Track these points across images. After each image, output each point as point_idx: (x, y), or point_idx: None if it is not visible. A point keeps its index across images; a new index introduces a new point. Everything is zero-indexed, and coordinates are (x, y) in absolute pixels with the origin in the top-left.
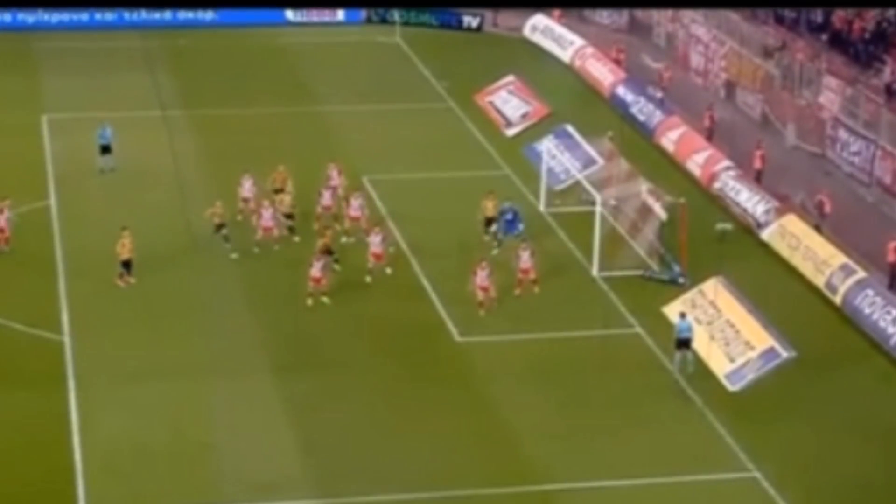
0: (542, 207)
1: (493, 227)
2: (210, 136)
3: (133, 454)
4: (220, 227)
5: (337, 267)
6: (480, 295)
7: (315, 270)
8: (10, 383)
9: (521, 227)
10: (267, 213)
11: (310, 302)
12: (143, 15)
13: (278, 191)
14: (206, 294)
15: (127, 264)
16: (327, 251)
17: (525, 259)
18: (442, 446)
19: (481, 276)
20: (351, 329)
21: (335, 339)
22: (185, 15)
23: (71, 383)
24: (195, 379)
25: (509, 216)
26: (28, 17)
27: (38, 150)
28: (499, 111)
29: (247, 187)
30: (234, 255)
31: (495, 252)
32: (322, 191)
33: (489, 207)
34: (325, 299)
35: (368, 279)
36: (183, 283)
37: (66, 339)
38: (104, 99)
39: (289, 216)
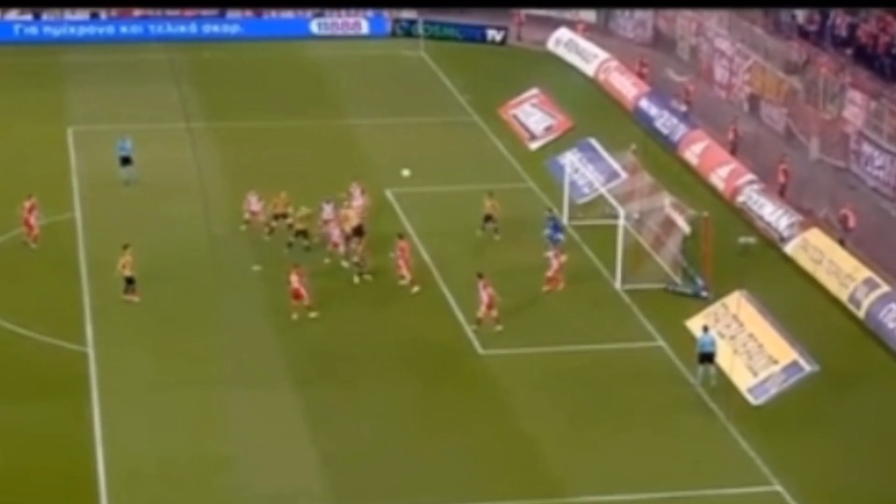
0: (565, 221)
1: (491, 225)
2: (234, 148)
3: (155, 466)
4: (300, 233)
5: (356, 279)
6: (483, 311)
7: (295, 283)
8: (34, 394)
9: (561, 236)
10: (336, 231)
11: (295, 316)
12: (169, 28)
13: (279, 216)
14: (228, 306)
15: (130, 281)
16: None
17: (555, 267)
18: (463, 459)
19: (484, 293)
20: (372, 342)
21: (356, 351)
22: (209, 28)
23: (94, 394)
24: (217, 390)
25: (552, 224)
26: (54, 30)
27: (63, 162)
28: (522, 124)
29: (253, 202)
30: (256, 268)
31: (549, 254)
32: (323, 204)
33: (488, 206)
34: (298, 315)
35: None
36: (205, 294)
37: (90, 351)
38: (129, 111)
39: (302, 233)
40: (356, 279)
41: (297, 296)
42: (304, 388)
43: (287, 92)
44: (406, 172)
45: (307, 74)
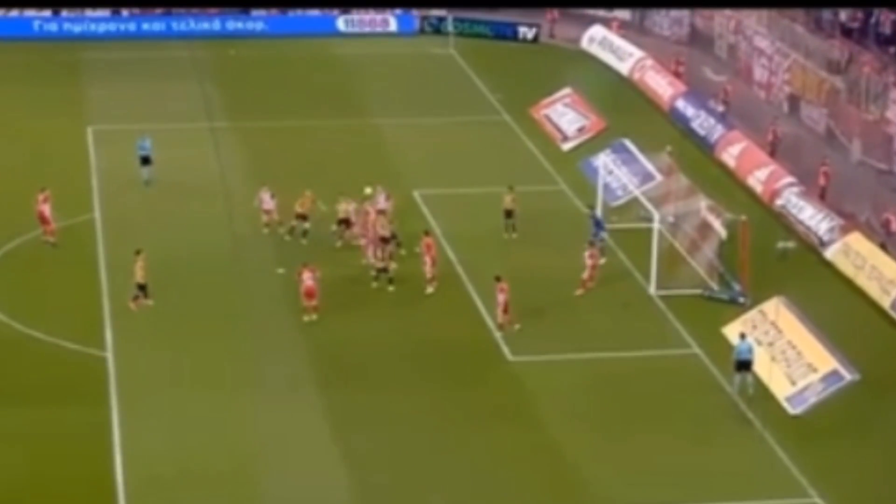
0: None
1: (510, 221)
2: (258, 148)
3: (175, 472)
4: (342, 221)
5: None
6: (501, 316)
7: (308, 281)
8: (53, 399)
9: (605, 235)
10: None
11: (306, 318)
12: (192, 25)
13: (301, 216)
14: (250, 308)
15: (142, 287)
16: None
17: (589, 268)
18: (491, 469)
19: (501, 297)
20: (400, 346)
21: (383, 355)
22: (233, 25)
23: (113, 400)
24: (240, 395)
25: (596, 222)
26: (74, 27)
27: (82, 161)
28: (554, 125)
29: (266, 199)
30: (280, 271)
31: (586, 254)
32: (366, 206)
33: (508, 201)
34: (308, 317)
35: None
36: (227, 297)
37: (109, 356)
38: (150, 110)
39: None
40: (374, 284)
41: (310, 294)
42: (328, 392)
43: (313, 90)
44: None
45: (334, 72)
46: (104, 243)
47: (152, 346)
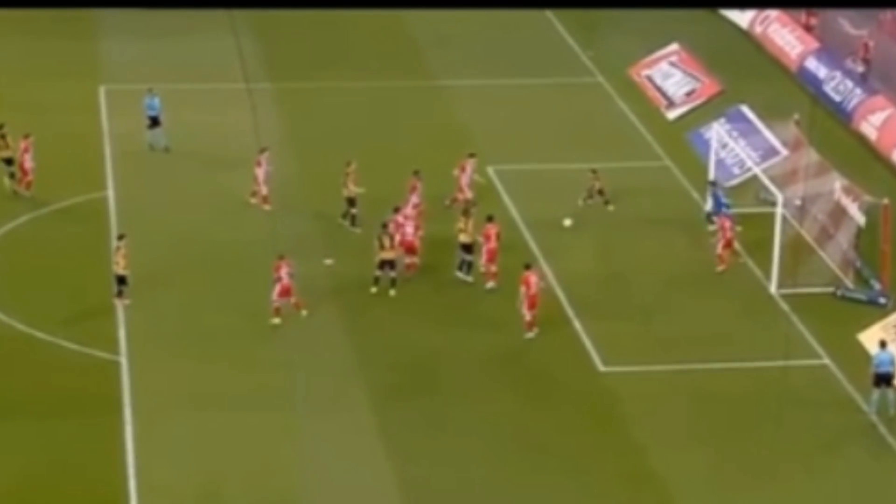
0: (708, 207)
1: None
2: (301, 114)
3: (196, 497)
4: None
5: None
6: (528, 314)
7: (284, 277)
8: (58, 411)
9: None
10: (410, 230)
11: (275, 321)
12: None
13: (350, 201)
14: (290, 307)
15: (122, 280)
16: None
17: (723, 242)
18: (580, 495)
19: (532, 288)
20: (472, 353)
21: (452, 364)
22: None
23: (127, 412)
24: (275, 410)
25: (715, 196)
26: None
27: (94, 128)
28: (658, 88)
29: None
30: (328, 262)
31: (712, 228)
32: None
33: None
34: (277, 319)
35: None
36: (261, 291)
37: (123, 360)
38: (173, 67)
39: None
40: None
41: (284, 292)
42: (382, 407)
43: (369, 45)
44: (567, 222)
45: (394, 25)
46: (118, 226)
47: (173, 349)
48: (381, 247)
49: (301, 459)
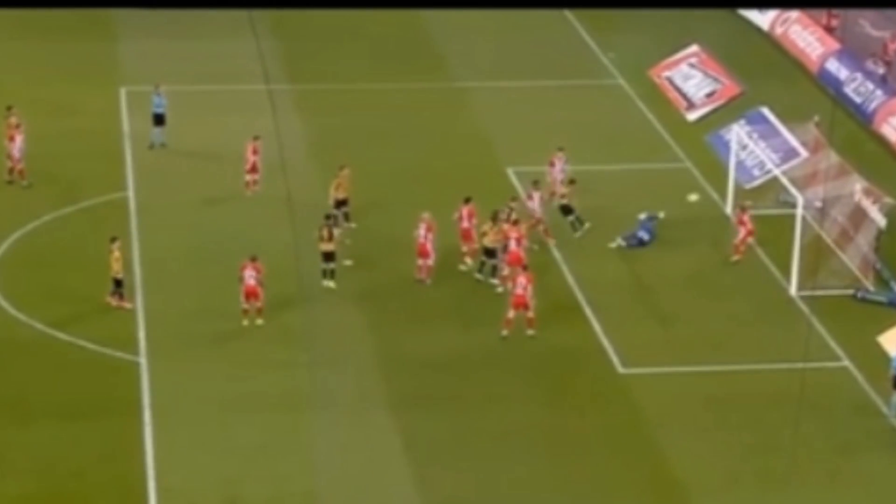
0: (728, 209)
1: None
2: (323, 116)
3: (218, 501)
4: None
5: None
6: (513, 313)
7: (250, 280)
8: (78, 411)
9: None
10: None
11: (245, 323)
12: None
13: (341, 202)
14: (310, 309)
15: (119, 283)
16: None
17: (742, 234)
18: (597, 499)
19: (520, 285)
20: (490, 355)
21: (470, 367)
22: None
23: (147, 414)
24: (296, 413)
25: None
26: None
27: (114, 129)
28: (678, 89)
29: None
30: (348, 262)
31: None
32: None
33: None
34: (249, 321)
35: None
36: (283, 293)
37: (143, 361)
38: (193, 69)
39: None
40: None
41: (251, 295)
42: (405, 412)
43: (389, 47)
44: (693, 197)
45: (413, 27)
46: (138, 228)
47: (194, 350)
48: (321, 238)
49: (322, 462)
